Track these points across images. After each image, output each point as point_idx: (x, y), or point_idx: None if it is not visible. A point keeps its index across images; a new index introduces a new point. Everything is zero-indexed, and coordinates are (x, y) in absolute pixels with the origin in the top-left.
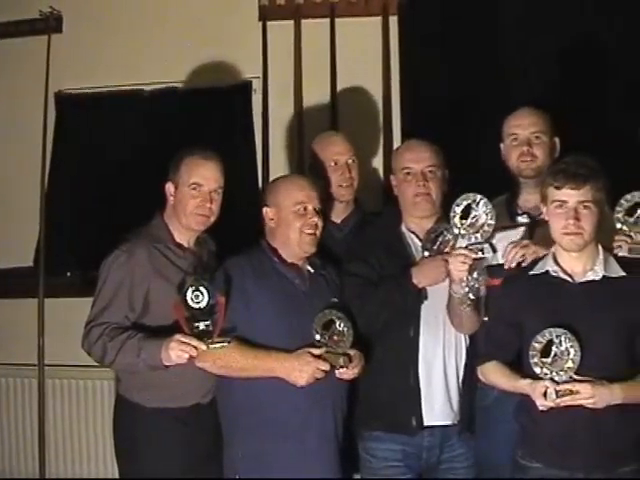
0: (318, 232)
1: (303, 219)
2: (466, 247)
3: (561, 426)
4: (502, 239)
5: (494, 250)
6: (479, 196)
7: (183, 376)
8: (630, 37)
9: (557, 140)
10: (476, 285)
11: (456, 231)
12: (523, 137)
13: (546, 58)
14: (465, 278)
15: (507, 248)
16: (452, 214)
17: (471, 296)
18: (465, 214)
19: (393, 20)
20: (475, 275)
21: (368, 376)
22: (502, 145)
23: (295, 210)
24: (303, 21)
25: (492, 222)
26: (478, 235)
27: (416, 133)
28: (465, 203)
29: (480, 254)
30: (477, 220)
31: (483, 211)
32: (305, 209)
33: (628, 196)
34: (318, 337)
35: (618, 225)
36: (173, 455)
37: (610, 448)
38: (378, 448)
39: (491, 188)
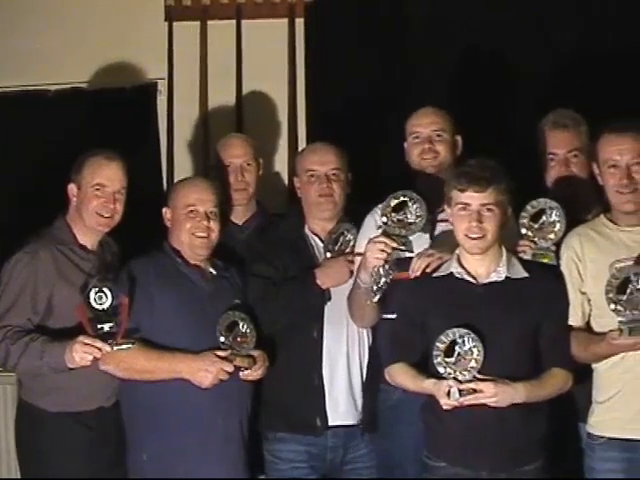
0: (213, 235)
1: (193, 221)
2: (388, 236)
3: (465, 425)
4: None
5: (411, 250)
6: (416, 196)
7: (87, 379)
8: (535, 41)
9: (459, 138)
10: (384, 279)
11: (385, 220)
12: (424, 135)
13: (453, 59)
14: (377, 269)
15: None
16: (385, 205)
17: (376, 288)
18: (398, 209)
19: (299, 22)
20: (387, 267)
21: (272, 377)
22: (405, 144)
23: (186, 212)
24: (209, 22)
25: (420, 222)
26: (403, 230)
27: (321, 135)
28: (402, 199)
29: (402, 247)
30: (407, 217)
31: (415, 210)
32: (196, 212)
33: (534, 202)
34: (222, 339)
35: (523, 230)
36: (78, 461)
37: (514, 446)
38: (282, 449)
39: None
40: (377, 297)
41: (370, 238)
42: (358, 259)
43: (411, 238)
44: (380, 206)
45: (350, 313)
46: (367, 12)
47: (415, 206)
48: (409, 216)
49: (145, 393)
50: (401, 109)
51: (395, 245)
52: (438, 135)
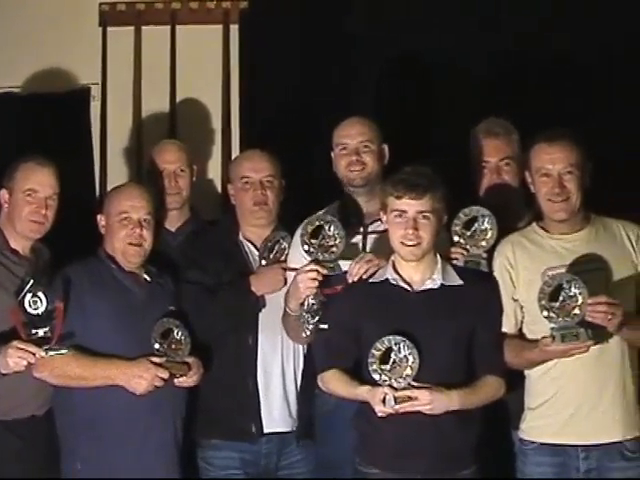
0: (146, 244)
1: (126, 229)
2: (318, 262)
3: (400, 432)
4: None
5: (340, 270)
6: (330, 218)
7: (19, 386)
8: (467, 50)
9: (386, 147)
10: (316, 314)
11: (306, 248)
12: (352, 146)
13: (385, 66)
14: (308, 298)
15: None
16: (302, 233)
17: (309, 324)
18: (316, 235)
19: (234, 28)
20: (317, 297)
21: (207, 384)
22: (333, 154)
23: (119, 219)
24: (144, 28)
25: (341, 243)
26: (326, 255)
27: (255, 142)
28: (317, 224)
29: (332, 273)
30: (326, 241)
31: (332, 232)
32: (129, 219)
33: (466, 210)
34: (157, 346)
35: (455, 238)
36: (8, 471)
37: (448, 453)
38: (216, 456)
39: (331, 196)
40: (310, 333)
41: (297, 269)
42: (291, 274)
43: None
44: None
45: (286, 332)
46: (301, 19)
47: (332, 228)
48: (329, 240)
49: (79, 400)
50: (334, 115)
51: (325, 272)
52: (365, 146)
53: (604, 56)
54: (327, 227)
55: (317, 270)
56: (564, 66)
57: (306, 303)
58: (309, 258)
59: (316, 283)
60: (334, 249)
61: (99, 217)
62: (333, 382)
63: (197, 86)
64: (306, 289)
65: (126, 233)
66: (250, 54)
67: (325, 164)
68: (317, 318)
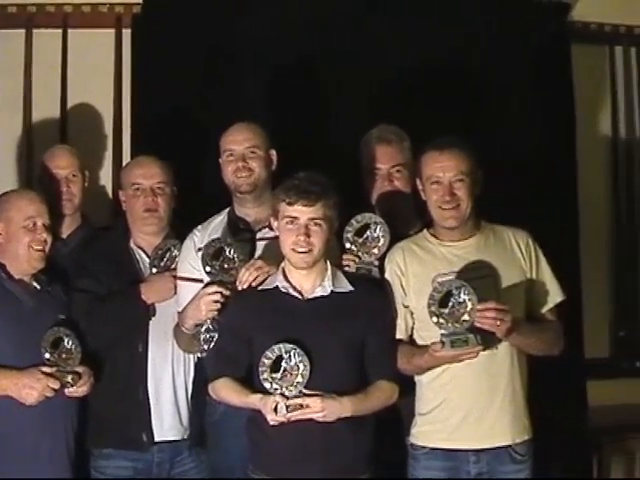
0: (47, 248)
1: (32, 234)
2: (220, 284)
3: (292, 439)
4: None
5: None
6: (229, 240)
7: None
8: (358, 56)
9: (274, 153)
10: (212, 327)
11: (208, 269)
12: (238, 152)
13: (276, 73)
14: (209, 319)
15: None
16: (204, 255)
17: (204, 343)
18: (217, 256)
19: (127, 33)
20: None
21: (98, 393)
22: (220, 160)
23: (25, 225)
24: (35, 31)
25: (240, 264)
26: (226, 276)
27: (146, 149)
28: (218, 246)
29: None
30: (226, 264)
31: (232, 255)
32: (35, 224)
33: (359, 217)
34: (47, 355)
35: (347, 245)
36: None
37: (341, 460)
38: (108, 466)
39: (222, 203)
40: (204, 351)
41: (187, 278)
42: (180, 282)
43: None
44: (200, 238)
45: (177, 344)
46: (194, 25)
47: (231, 251)
48: (229, 263)
49: None
50: (226, 123)
51: (228, 293)
52: (252, 152)
53: (489, 65)
54: (228, 250)
55: (220, 292)
56: (456, 73)
57: (204, 324)
58: (205, 275)
59: (218, 305)
60: (233, 272)
61: None
62: (224, 391)
63: (89, 91)
64: (208, 311)
65: (32, 238)
66: (143, 59)
67: (217, 171)
68: (214, 339)
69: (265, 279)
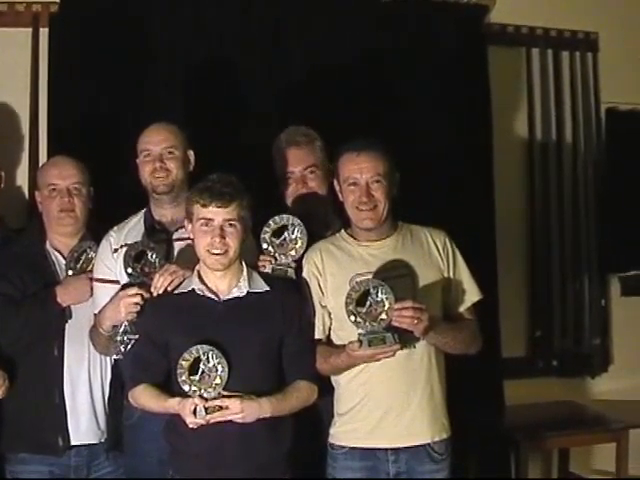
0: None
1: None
2: (138, 286)
3: (210, 441)
4: None
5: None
6: (151, 245)
7: None
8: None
9: (191, 153)
10: (130, 329)
11: (130, 271)
12: (155, 153)
13: (189, 74)
14: (127, 321)
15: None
16: (127, 257)
17: (124, 339)
18: (139, 259)
19: (44, 32)
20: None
21: (12, 397)
22: (138, 161)
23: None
24: None
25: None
26: (146, 279)
27: (62, 149)
28: (140, 249)
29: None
30: (148, 268)
31: (153, 259)
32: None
33: (277, 218)
34: None
35: (264, 245)
36: None
37: (261, 461)
38: (25, 470)
39: (140, 204)
40: (121, 353)
41: (104, 280)
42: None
43: None
44: (116, 239)
45: (94, 346)
46: (111, 26)
47: (153, 255)
48: (150, 267)
49: None
50: (143, 124)
51: (148, 296)
52: (169, 152)
53: (405, 66)
54: (150, 254)
55: (141, 294)
56: (372, 74)
57: (122, 325)
58: (125, 276)
59: (138, 307)
60: (153, 276)
61: None
62: (143, 397)
63: (5, 90)
64: (127, 313)
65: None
66: (59, 58)
67: (134, 171)
68: (132, 341)
69: (181, 283)
